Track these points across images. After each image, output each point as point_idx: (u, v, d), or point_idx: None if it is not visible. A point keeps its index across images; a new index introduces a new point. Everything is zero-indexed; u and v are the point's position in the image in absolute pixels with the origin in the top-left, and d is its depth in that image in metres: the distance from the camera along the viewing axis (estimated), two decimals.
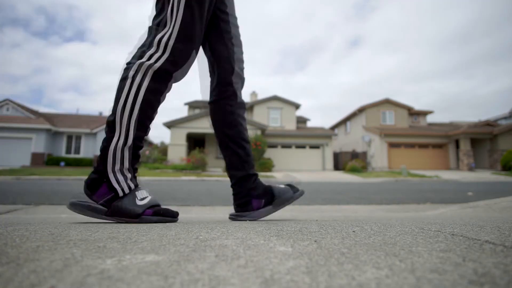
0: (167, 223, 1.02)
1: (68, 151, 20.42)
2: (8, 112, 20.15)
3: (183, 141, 17.48)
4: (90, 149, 20.37)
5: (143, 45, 1.10)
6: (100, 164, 1.02)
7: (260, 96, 25.83)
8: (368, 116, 22.51)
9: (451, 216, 1.59)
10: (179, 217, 1.16)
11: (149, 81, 1.04)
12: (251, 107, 22.32)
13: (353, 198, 4.22)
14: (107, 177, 1.01)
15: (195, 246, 0.58)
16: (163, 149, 20.34)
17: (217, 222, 1.08)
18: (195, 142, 20.85)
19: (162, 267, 0.44)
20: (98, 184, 1.02)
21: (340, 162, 20.20)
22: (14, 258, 0.48)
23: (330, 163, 19.43)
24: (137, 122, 1.04)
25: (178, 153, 17.09)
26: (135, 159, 1.07)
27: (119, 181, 1.02)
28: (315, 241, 0.64)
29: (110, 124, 1.03)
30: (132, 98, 1.02)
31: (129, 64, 1.06)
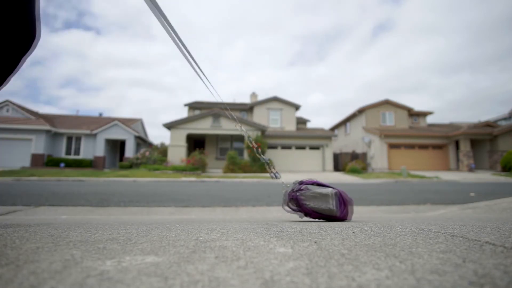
0: (167, 225, 1.02)
1: (68, 152, 20.39)
2: (8, 113, 20.14)
3: (183, 142, 17.46)
4: (90, 150, 20.34)
5: None
6: None
7: (262, 97, 25.85)
8: (368, 117, 22.52)
9: (451, 217, 1.58)
10: (178, 218, 1.16)
11: None
12: (251, 108, 22.34)
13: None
14: None
15: (195, 247, 0.58)
16: (163, 150, 20.29)
17: (217, 223, 1.08)
18: (195, 143, 20.83)
19: (162, 268, 0.44)
20: None
21: (340, 163, 20.18)
22: (14, 259, 0.48)
23: (330, 164, 19.41)
24: None
25: (178, 154, 17.07)
26: None
27: None
28: (315, 242, 0.64)
29: None
30: None
31: None
